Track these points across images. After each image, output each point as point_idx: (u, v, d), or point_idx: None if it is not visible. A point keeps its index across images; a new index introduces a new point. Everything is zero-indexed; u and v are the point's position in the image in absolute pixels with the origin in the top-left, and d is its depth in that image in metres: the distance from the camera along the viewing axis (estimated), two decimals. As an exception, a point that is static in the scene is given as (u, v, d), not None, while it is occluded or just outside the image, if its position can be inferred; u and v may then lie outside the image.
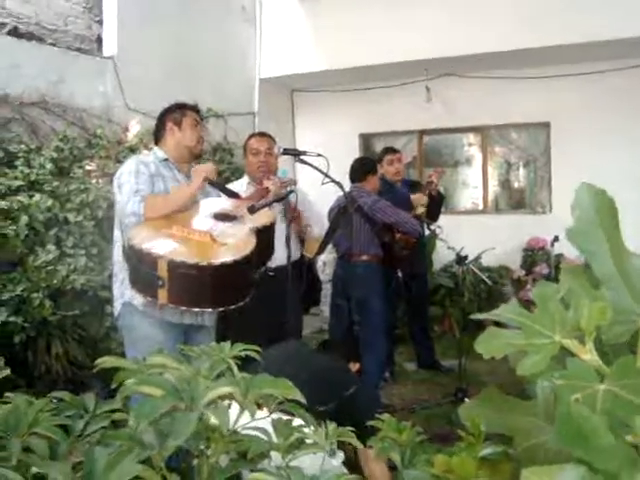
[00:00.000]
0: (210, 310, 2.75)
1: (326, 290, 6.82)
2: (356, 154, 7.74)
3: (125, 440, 1.07)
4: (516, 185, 8.47)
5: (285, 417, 1.32)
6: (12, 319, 3.99)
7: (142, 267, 2.55)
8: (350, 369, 2.76)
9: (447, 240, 5.07)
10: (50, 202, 4.47)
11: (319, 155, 3.16)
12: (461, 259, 4.77)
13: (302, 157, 3.23)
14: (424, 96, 7.78)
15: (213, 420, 1.08)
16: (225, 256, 2.54)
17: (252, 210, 2.88)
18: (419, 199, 5.14)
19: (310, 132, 8.36)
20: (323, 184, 3.15)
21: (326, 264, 6.94)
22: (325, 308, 7.13)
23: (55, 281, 4.24)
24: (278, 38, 7.97)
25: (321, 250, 3.91)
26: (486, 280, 5.05)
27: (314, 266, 5.41)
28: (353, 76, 7.97)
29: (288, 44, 7.92)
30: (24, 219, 4.26)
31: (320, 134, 7.96)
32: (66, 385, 4.38)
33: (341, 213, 4.05)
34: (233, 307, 2.62)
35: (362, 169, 4.87)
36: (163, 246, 2.56)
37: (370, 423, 1.31)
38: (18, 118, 5.00)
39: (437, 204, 5.48)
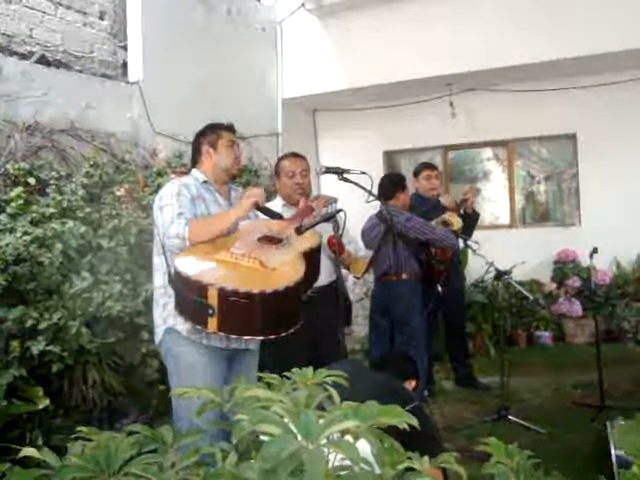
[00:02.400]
0: (261, 338, 2.66)
1: (355, 310, 6.77)
2: (380, 172, 7.67)
3: (229, 478, 1.00)
4: (543, 198, 8.36)
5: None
6: (50, 348, 3.93)
7: (190, 295, 2.46)
8: (406, 387, 2.66)
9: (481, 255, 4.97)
10: (83, 229, 4.44)
11: (363, 173, 3.09)
12: (500, 274, 4.67)
13: (345, 175, 3.16)
14: (448, 111, 7.74)
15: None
16: (276, 283, 2.45)
17: (300, 231, 2.80)
18: (450, 202, 5.06)
19: (333, 151, 8.32)
20: (368, 202, 3.08)
21: (356, 283, 6.86)
22: (356, 327, 7.05)
23: (91, 309, 4.19)
24: (299, 58, 7.96)
25: (367, 270, 3.83)
26: (529, 295, 4.93)
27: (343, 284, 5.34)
28: (375, 94, 7.94)
29: (309, 64, 7.92)
30: (58, 246, 4.23)
31: (343, 153, 7.89)
32: (101, 413, 4.31)
33: (385, 233, 3.97)
34: (284, 334, 2.54)
35: (391, 186, 4.79)
36: (212, 273, 2.48)
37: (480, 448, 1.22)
38: (48, 145, 4.99)
39: (472, 222, 5.40)
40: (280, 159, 4.08)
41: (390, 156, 8.74)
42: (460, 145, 8.35)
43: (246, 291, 2.38)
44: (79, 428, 1.48)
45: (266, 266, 2.57)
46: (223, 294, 2.38)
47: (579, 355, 6.41)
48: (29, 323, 3.92)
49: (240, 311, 2.41)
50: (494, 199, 8.46)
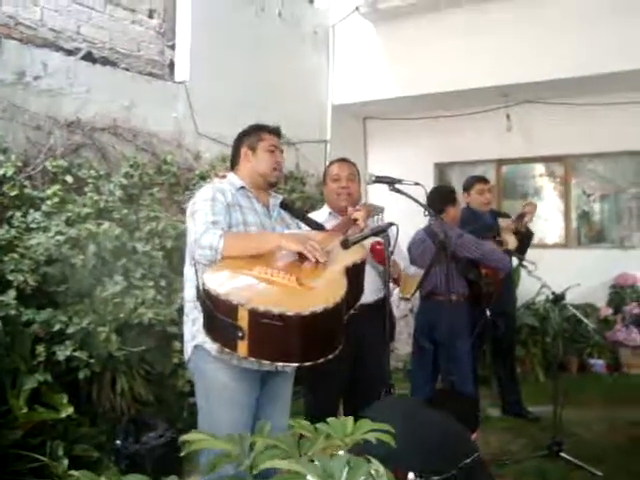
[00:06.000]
0: (296, 365, 2.40)
1: (399, 327, 6.48)
2: (431, 184, 7.37)
3: None
4: (598, 218, 7.95)
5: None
6: (77, 354, 3.77)
7: (219, 315, 2.20)
8: (467, 432, 2.36)
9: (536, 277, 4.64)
10: (118, 230, 4.27)
11: (417, 184, 2.84)
12: (558, 298, 4.34)
13: (397, 186, 2.91)
14: (503, 124, 7.43)
15: None
16: (314, 304, 2.16)
17: (346, 244, 2.54)
18: (508, 226, 4.75)
19: (383, 161, 8.02)
20: (425, 216, 2.83)
21: (401, 299, 6.58)
22: (399, 345, 6.76)
23: (122, 314, 4.02)
24: (351, 64, 7.75)
25: (417, 289, 3.57)
26: (589, 324, 4.59)
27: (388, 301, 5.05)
28: (428, 103, 7.66)
29: (361, 70, 7.68)
30: (92, 248, 4.07)
31: (393, 163, 7.62)
32: (128, 425, 4.12)
33: (441, 249, 3.69)
34: (322, 360, 2.27)
35: (441, 200, 4.49)
36: (243, 292, 2.21)
37: None
38: (89, 143, 4.85)
39: (526, 240, 5.08)
40: (328, 165, 3.87)
41: (441, 168, 8.44)
42: (515, 159, 7.99)
43: (280, 312, 2.10)
44: (72, 473, 1.27)
45: (304, 284, 2.30)
46: (254, 315, 2.12)
47: (637, 388, 6.00)
48: (57, 327, 3.78)
49: (273, 335, 2.13)
50: (545, 217, 8.06)
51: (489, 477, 2.19)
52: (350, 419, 1.15)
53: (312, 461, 0.92)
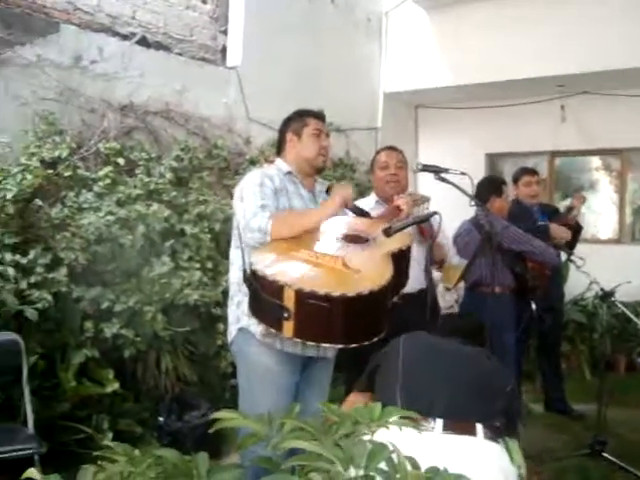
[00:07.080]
0: (341, 346, 2.42)
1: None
2: (481, 175, 7.29)
3: None
4: (655, 215, 7.73)
5: None
6: (123, 332, 3.87)
7: (266, 295, 2.24)
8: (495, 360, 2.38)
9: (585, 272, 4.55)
10: (167, 212, 4.36)
11: (463, 174, 2.81)
12: (607, 295, 4.25)
13: (443, 175, 2.88)
14: (558, 115, 7.27)
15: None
16: (360, 286, 2.18)
17: (388, 232, 2.54)
18: (561, 233, 4.65)
19: (434, 150, 7.96)
20: (471, 206, 2.80)
21: (449, 290, 6.52)
22: (442, 337, 6.72)
23: (168, 295, 4.10)
24: (404, 52, 7.68)
25: (460, 280, 3.54)
26: (639, 323, 4.45)
27: (434, 291, 5.03)
28: (481, 93, 7.55)
29: (414, 58, 7.60)
30: (141, 229, 4.16)
31: (444, 152, 7.49)
32: (171, 403, 4.21)
33: (482, 241, 3.65)
34: (367, 344, 2.28)
35: (486, 190, 4.43)
36: (290, 273, 2.24)
37: None
38: (141, 126, 4.94)
39: (575, 234, 4.97)
40: (376, 153, 3.88)
41: (493, 159, 8.31)
42: (569, 152, 7.82)
43: (325, 293, 2.13)
44: (107, 443, 1.31)
45: (350, 267, 2.31)
46: (301, 296, 2.15)
47: (687, 390, 5.85)
48: (105, 305, 3.88)
49: (318, 315, 2.16)
50: (599, 211, 7.89)
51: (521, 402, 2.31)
52: (378, 405, 1.16)
53: (337, 445, 0.93)
